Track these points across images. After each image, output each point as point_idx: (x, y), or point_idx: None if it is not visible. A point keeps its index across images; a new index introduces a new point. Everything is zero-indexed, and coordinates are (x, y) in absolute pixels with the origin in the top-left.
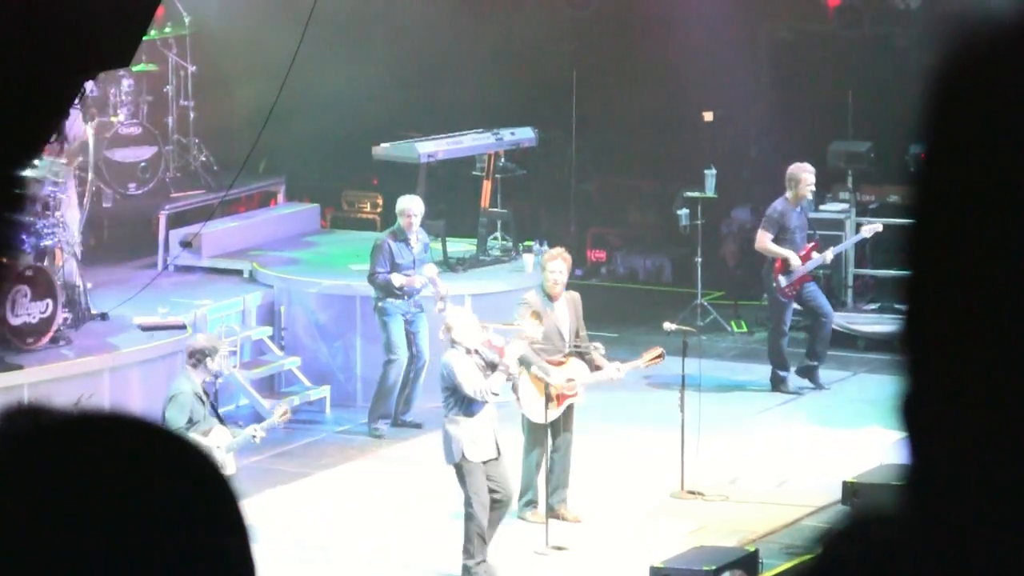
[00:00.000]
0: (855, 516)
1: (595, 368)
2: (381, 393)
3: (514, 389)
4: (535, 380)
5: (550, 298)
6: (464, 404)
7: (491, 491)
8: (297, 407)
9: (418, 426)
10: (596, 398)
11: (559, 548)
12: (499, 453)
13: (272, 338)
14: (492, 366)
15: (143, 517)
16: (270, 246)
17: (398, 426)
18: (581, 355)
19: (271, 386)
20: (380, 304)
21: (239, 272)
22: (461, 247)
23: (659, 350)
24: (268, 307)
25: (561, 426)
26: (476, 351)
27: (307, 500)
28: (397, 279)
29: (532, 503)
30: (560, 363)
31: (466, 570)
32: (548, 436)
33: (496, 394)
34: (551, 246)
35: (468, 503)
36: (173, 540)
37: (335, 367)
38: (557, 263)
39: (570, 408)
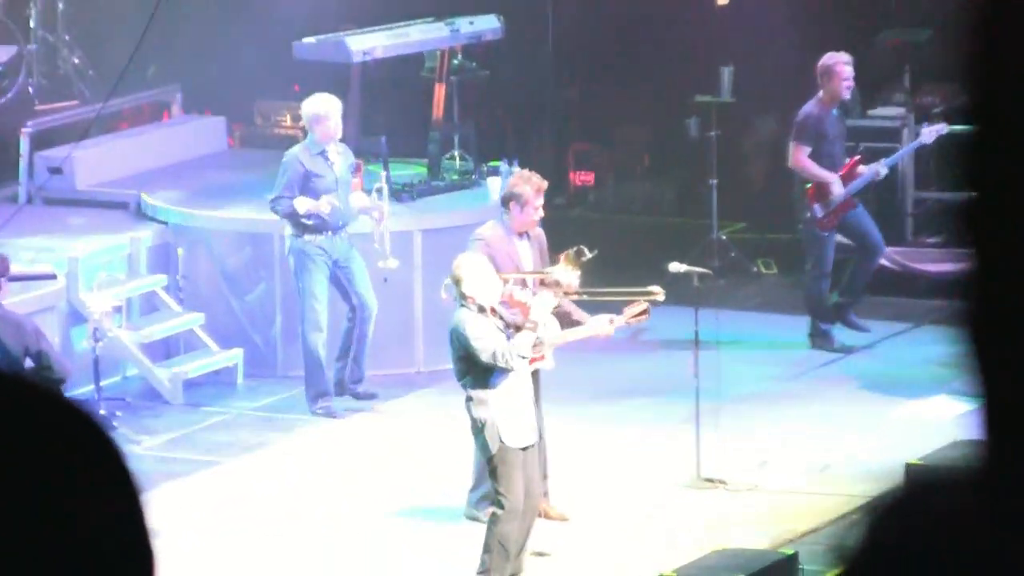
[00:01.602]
0: (910, 486)
1: (571, 323)
2: (309, 365)
3: None
4: None
5: (516, 234)
6: (485, 375)
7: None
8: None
9: (373, 396)
10: (584, 363)
11: (539, 554)
12: (540, 437)
13: (167, 289)
14: (516, 329)
15: (25, 479)
16: (163, 172)
17: (356, 398)
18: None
19: (167, 351)
20: (295, 243)
21: (124, 205)
22: (408, 171)
23: (644, 305)
24: (162, 250)
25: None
26: (493, 309)
27: (211, 497)
28: (302, 204)
29: (489, 497)
30: None
31: None
32: None
33: (524, 357)
34: (523, 167)
35: (497, 503)
36: (58, 502)
37: (249, 325)
38: (539, 196)
39: (536, 377)
